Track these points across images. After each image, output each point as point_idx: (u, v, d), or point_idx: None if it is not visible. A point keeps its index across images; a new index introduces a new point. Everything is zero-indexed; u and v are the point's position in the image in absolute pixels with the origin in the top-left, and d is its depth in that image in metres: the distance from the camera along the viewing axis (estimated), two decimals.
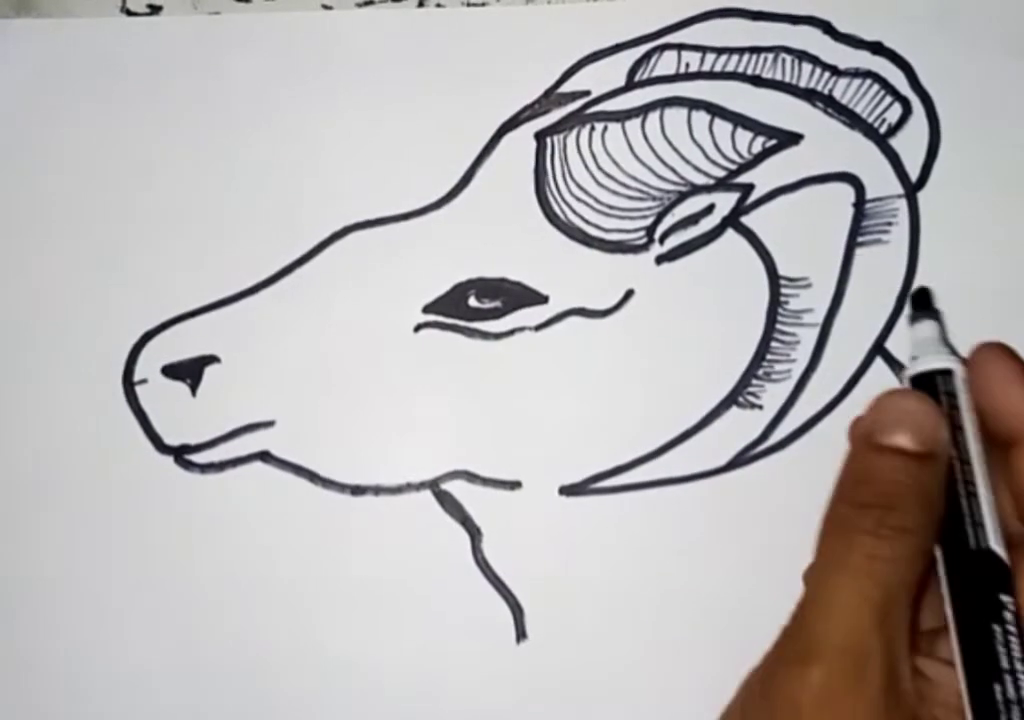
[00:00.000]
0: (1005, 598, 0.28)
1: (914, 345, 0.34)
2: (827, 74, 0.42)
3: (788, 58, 0.42)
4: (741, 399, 0.41)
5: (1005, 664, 0.27)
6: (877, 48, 0.42)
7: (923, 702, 0.29)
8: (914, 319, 0.35)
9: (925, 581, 0.30)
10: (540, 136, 0.42)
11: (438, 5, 0.44)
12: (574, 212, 0.42)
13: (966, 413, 0.30)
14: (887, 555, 0.29)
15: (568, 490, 0.41)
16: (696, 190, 0.42)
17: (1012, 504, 0.31)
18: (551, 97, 0.43)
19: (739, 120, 0.42)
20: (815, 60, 0.42)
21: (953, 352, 0.33)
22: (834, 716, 0.28)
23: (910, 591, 0.29)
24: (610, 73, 0.43)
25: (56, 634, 0.42)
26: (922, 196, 0.42)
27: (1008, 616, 0.27)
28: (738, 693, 0.31)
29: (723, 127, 0.42)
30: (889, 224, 0.42)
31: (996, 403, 0.30)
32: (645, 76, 0.42)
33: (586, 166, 0.42)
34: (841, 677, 0.28)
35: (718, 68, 0.42)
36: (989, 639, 0.27)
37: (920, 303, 0.36)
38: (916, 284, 0.41)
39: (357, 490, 0.41)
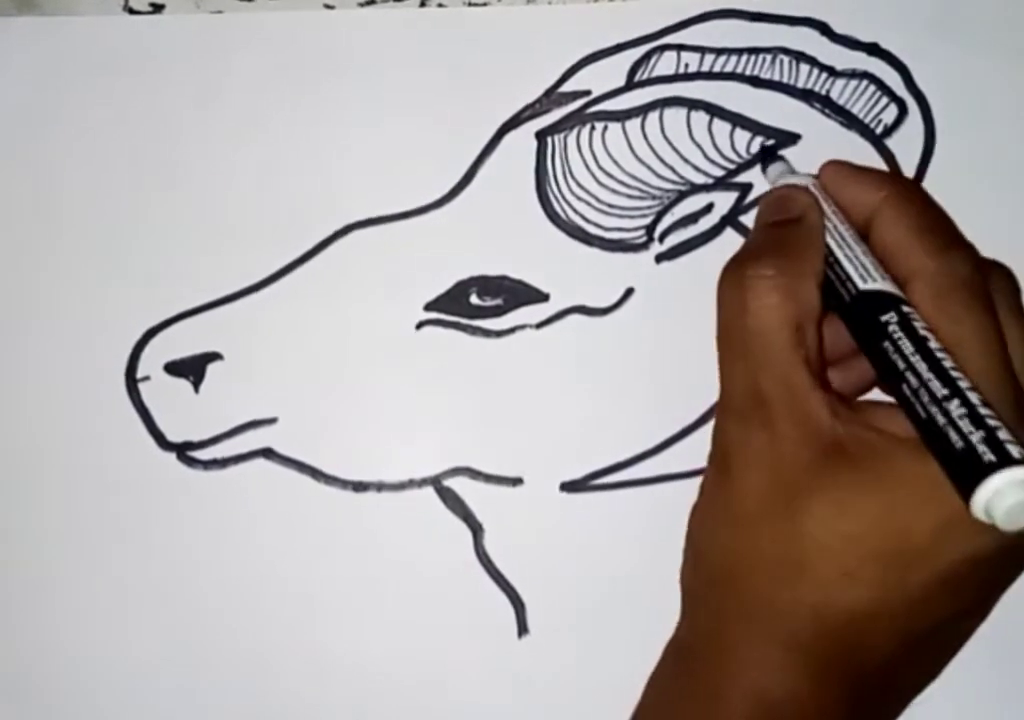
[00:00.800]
0: (883, 317, 0.32)
1: (771, 180, 0.39)
2: (824, 75, 0.42)
3: (786, 59, 0.43)
4: None
5: (901, 366, 0.31)
6: (873, 49, 0.43)
7: (849, 428, 0.32)
8: (765, 166, 0.39)
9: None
10: (541, 135, 0.43)
11: (440, 5, 0.44)
12: (574, 211, 0.42)
13: (827, 206, 0.35)
14: (777, 298, 0.33)
15: (569, 486, 0.41)
16: (695, 189, 0.42)
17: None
18: (552, 97, 0.43)
19: (737, 120, 0.42)
20: (813, 61, 0.43)
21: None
22: (756, 458, 0.33)
23: (800, 325, 0.33)
24: (610, 73, 0.43)
25: (58, 631, 0.42)
26: None
27: (891, 330, 0.31)
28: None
29: (722, 127, 0.42)
30: None
31: (846, 199, 0.36)
32: (645, 76, 0.43)
33: (586, 165, 0.42)
34: (752, 416, 0.33)
35: (717, 68, 0.43)
36: (884, 355, 0.32)
37: (767, 155, 0.40)
38: None
39: (359, 487, 0.42)
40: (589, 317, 0.42)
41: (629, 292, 0.42)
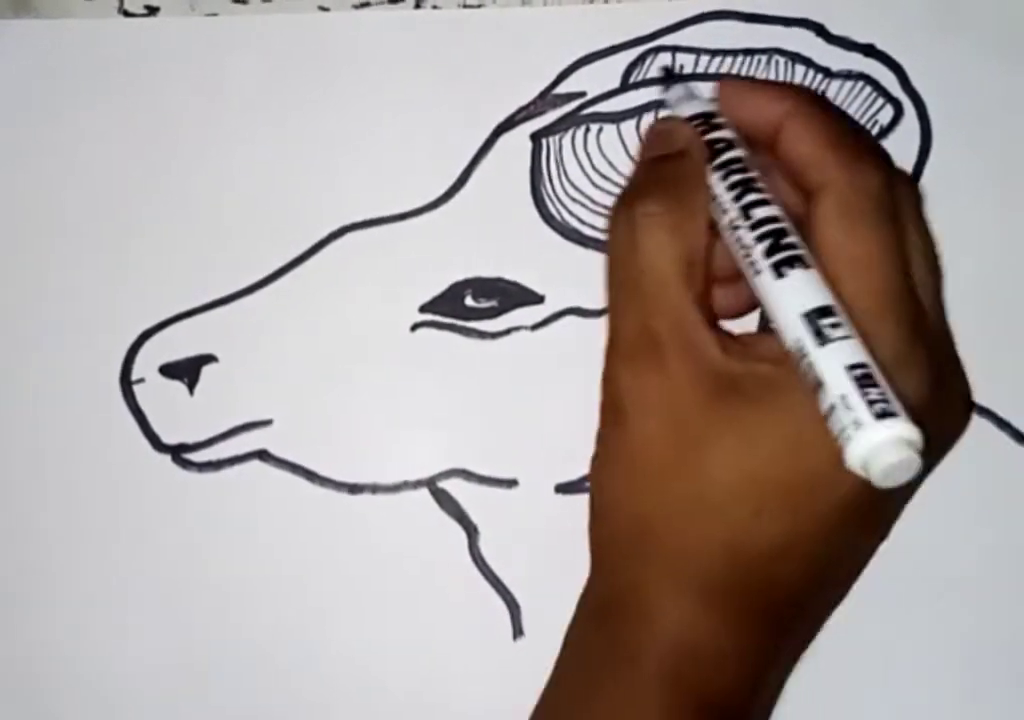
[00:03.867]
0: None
1: (671, 104, 0.38)
2: (820, 76, 0.42)
3: (781, 60, 0.42)
4: None
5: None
6: (869, 50, 0.43)
7: (738, 359, 0.32)
8: (665, 87, 0.39)
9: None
10: (536, 137, 0.43)
11: (435, 7, 0.44)
12: (570, 212, 0.42)
13: (731, 129, 0.35)
14: (659, 236, 0.33)
15: (564, 488, 0.41)
16: None
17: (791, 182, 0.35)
18: (547, 98, 0.43)
19: None
20: (808, 62, 0.42)
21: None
22: (651, 400, 0.33)
23: (687, 261, 0.33)
24: (605, 75, 0.43)
25: (54, 631, 0.42)
26: None
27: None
28: None
29: None
30: None
31: (747, 116, 0.35)
32: (640, 78, 0.43)
33: (581, 167, 0.42)
34: (640, 358, 0.33)
35: (712, 69, 0.43)
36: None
37: (668, 78, 0.40)
38: None
39: (354, 488, 0.41)
40: (584, 319, 0.42)
41: None
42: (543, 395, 0.42)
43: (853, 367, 0.29)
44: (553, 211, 0.42)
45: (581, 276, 0.42)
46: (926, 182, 0.42)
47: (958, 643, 0.40)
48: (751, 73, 0.42)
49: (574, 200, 0.42)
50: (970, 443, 0.40)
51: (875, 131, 0.42)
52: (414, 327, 0.42)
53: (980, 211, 0.42)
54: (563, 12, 0.44)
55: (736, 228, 0.33)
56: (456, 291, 0.42)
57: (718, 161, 0.34)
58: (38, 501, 0.42)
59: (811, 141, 0.33)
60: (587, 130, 0.42)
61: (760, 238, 0.32)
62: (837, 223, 0.32)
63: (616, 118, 0.42)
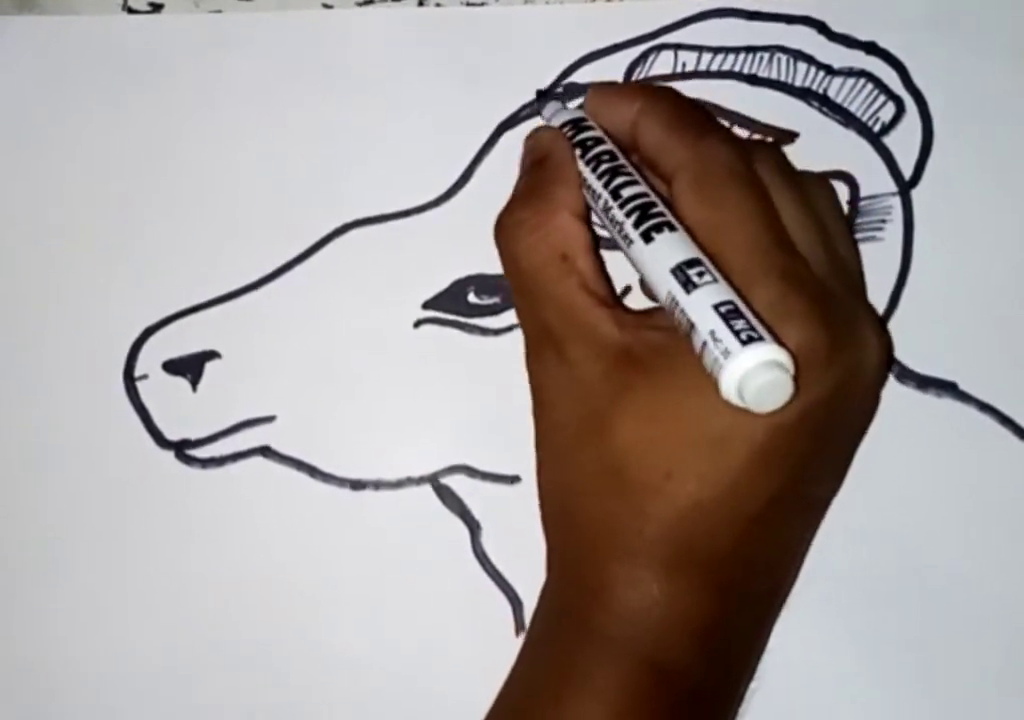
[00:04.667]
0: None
1: (546, 117, 0.40)
2: (822, 73, 0.43)
3: (784, 57, 0.43)
4: None
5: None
6: (871, 48, 0.43)
7: (636, 333, 0.34)
8: (540, 109, 0.40)
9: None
10: None
11: (437, 4, 0.44)
12: None
13: (599, 130, 0.37)
14: (539, 228, 0.35)
15: None
16: None
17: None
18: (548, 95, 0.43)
19: (735, 119, 0.42)
20: (810, 60, 0.43)
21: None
22: (561, 384, 0.34)
23: (580, 245, 0.35)
24: (608, 73, 0.43)
25: (55, 629, 0.42)
26: (916, 194, 0.42)
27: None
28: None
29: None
30: (883, 221, 0.42)
31: (609, 120, 0.37)
32: (642, 76, 0.43)
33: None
34: (542, 346, 0.35)
35: (714, 67, 0.43)
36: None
37: (541, 98, 0.42)
38: (910, 281, 0.42)
39: (357, 485, 0.42)
40: None
41: (627, 290, 0.42)
42: None
43: (719, 305, 0.31)
44: None
45: None
46: (927, 179, 0.42)
47: (959, 642, 0.40)
48: (753, 71, 0.43)
49: None
50: (973, 440, 0.40)
51: (877, 128, 0.42)
52: (417, 324, 0.42)
53: (981, 208, 0.42)
54: (566, 10, 0.44)
55: (608, 209, 0.35)
56: (459, 288, 0.42)
57: (588, 155, 0.36)
58: (41, 497, 0.42)
59: (659, 130, 0.36)
60: None
61: (629, 213, 0.34)
62: (693, 196, 0.34)
63: None
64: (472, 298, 0.42)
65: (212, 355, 0.42)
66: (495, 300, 0.42)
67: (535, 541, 0.41)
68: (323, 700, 0.41)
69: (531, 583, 0.40)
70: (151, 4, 0.44)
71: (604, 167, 0.36)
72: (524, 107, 0.43)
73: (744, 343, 0.30)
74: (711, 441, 0.32)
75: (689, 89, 0.42)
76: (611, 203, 0.35)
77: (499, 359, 0.42)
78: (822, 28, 0.43)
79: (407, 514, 0.41)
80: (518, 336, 0.42)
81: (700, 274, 0.32)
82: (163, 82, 0.44)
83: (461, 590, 0.41)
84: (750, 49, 0.43)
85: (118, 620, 0.42)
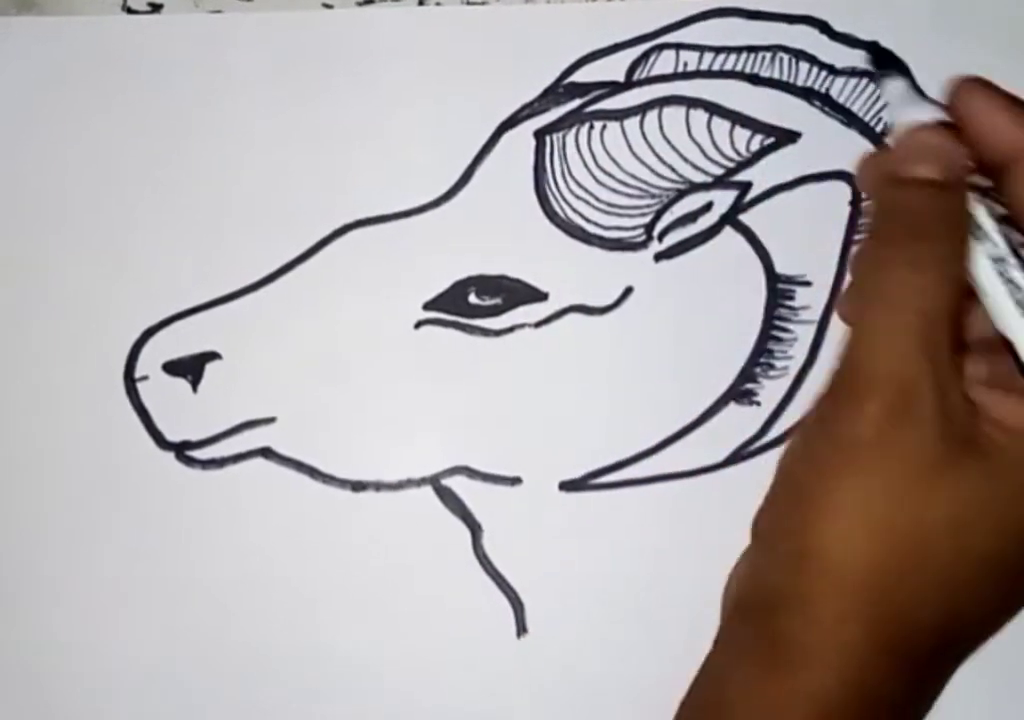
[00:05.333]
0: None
1: (891, 101, 0.32)
2: (824, 73, 0.42)
3: (785, 57, 0.42)
4: (739, 395, 0.41)
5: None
6: (873, 48, 0.42)
7: (975, 422, 0.30)
8: (880, 80, 0.33)
9: (963, 306, 0.30)
10: (539, 134, 0.43)
11: (438, 3, 0.44)
12: (573, 210, 0.42)
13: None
14: (923, 284, 0.29)
15: (568, 486, 0.41)
16: (694, 188, 0.42)
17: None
18: (550, 96, 0.43)
19: (737, 118, 0.42)
20: (812, 59, 0.42)
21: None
22: (894, 444, 0.29)
23: (950, 316, 0.29)
24: (609, 72, 0.43)
25: (56, 629, 0.42)
26: None
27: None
28: (793, 440, 0.31)
29: (721, 125, 0.42)
30: None
31: (985, 134, 0.31)
32: (644, 75, 0.43)
33: (585, 164, 0.42)
34: (895, 404, 0.29)
35: (716, 67, 0.43)
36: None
37: (881, 63, 0.34)
38: None
39: (358, 486, 0.41)
40: (588, 316, 0.42)
41: (628, 291, 0.42)
42: (546, 392, 0.42)
43: None
44: (557, 208, 0.42)
45: (584, 273, 0.42)
46: None
47: None
48: (755, 70, 0.42)
49: (578, 197, 0.42)
50: None
51: (879, 128, 0.42)
52: (418, 325, 0.42)
53: None
54: (566, 9, 0.44)
55: (1002, 261, 0.29)
56: (459, 288, 0.42)
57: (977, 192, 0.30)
58: (42, 498, 0.42)
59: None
60: (590, 127, 0.42)
61: None
62: None
63: (620, 115, 0.42)
64: (473, 299, 0.42)
65: (213, 356, 0.42)
66: (496, 301, 0.42)
67: (536, 543, 0.41)
68: (324, 700, 0.41)
69: (532, 585, 0.40)
70: (150, 4, 0.44)
71: (1000, 211, 0.29)
72: (524, 107, 0.43)
73: None
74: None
75: (691, 89, 0.42)
76: (1009, 258, 0.29)
77: (500, 360, 0.42)
78: (824, 27, 0.43)
79: (408, 515, 0.41)
80: (519, 337, 0.42)
81: None
82: (163, 82, 0.44)
83: (462, 592, 0.41)
84: (752, 49, 0.43)
85: (119, 620, 0.42)
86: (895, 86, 0.32)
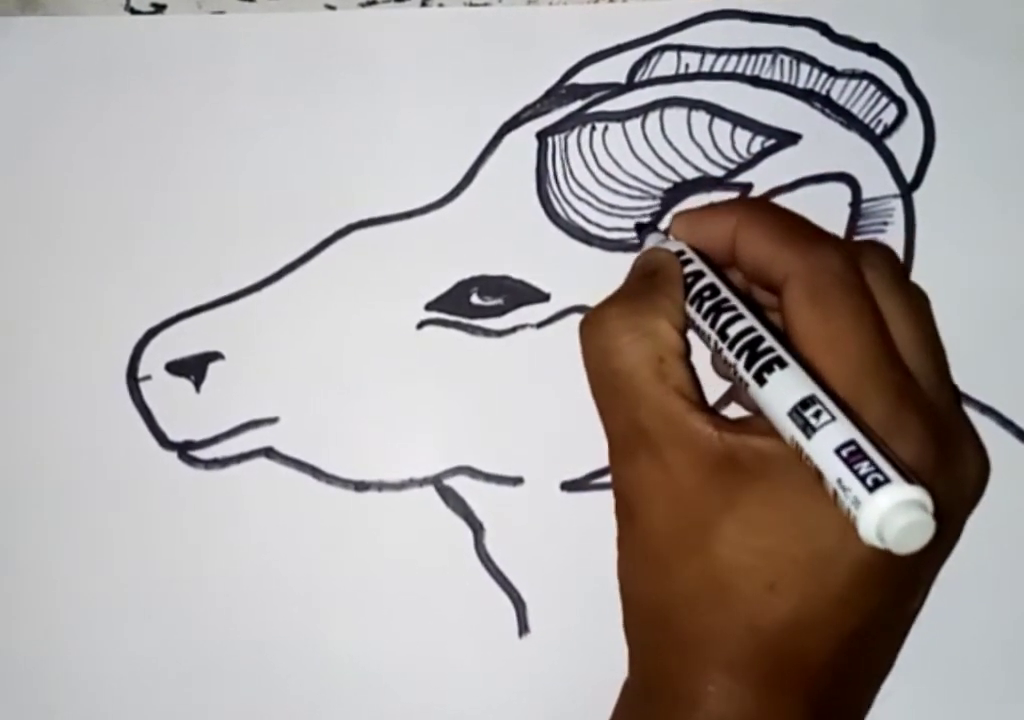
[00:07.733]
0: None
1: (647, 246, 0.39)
2: (825, 75, 0.43)
3: (786, 59, 0.43)
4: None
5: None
6: (873, 50, 0.43)
7: (730, 436, 0.33)
8: (641, 239, 0.40)
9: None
10: (541, 136, 0.43)
11: (440, 5, 0.44)
12: (575, 211, 0.42)
13: (698, 262, 0.36)
14: (639, 329, 0.34)
15: (569, 486, 0.41)
16: (696, 189, 0.42)
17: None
18: (552, 97, 0.43)
19: (738, 120, 0.42)
20: (813, 61, 0.43)
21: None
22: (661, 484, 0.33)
23: (675, 351, 0.34)
24: (611, 73, 0.43)
25: (58, 629, 0.42)
26: (917, 196, 0.42)
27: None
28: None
29: (722, 127, 0.42)
30: (885, 224, 0.42)
31: (704, 240, 0.37)
32: (645, 77, 0.43)
33: (587, 165, 0.42)
34: (653, 429, 0.33)
35: (717, 69, 0.43)
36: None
37: (642, 228, 0.41)
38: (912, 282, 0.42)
39: (360, 486, 0.42)
40: None
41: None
42: (549, 393, 0.42)
43: (840, 448, 0.30)
44: (559, 209, 0.42)
45: (586, 274, 0.42)
46: (929, 181, 0.42)
47: (959, 642, 0.40)
48: (756, 72, 0.43)
49: (579, 198, 0.42)
50: None
51: (879, 130, 0.42)
52: (420, 325, 0.42)
53: (983, 210, 0.42)
54: (568, 11, 0.44)
55: (719, 350, 0.34)
56: (462, 289, 0.42)
57: (691, 294, 0.36)
58: (44, 498, 0.42)
59: (764, 243, 0.35)
60: (592, 129, 0.43)
61: (738, 354, 0.33)
62: (804, 307, 0.33)
63: (621, 117, 0.42)
64: (475, 299, 0.42)
65: (215, 356, 0.42)
66: (498, 301, 0.42)
67: (539, 543, 0.41)
68: (325, 700, 0.41)
69: (534, 585, 0.40)
70: (154, 5, 0.44)
71: (708, 305, 0.35)
72: (526, 108, 0.43)
73: (871, 489, 0.29)
74: (818, 557, 0.31)
75: (692, 90, 0.43)
76: (720, 344, 0.34)
77: (502, 360, 0.42)
78: (825, 30, 0.43)
79: (410, 515, 0.41)
80: (521, 337, 0.42)
81: (817, 414, 0.30)
82: (165, 83, 0.44)
83: (464, 592, 0.41)
84: (753, 50, 0.43)
85: (121, 621, 0.42)
86: (651, 238, 0.39)
